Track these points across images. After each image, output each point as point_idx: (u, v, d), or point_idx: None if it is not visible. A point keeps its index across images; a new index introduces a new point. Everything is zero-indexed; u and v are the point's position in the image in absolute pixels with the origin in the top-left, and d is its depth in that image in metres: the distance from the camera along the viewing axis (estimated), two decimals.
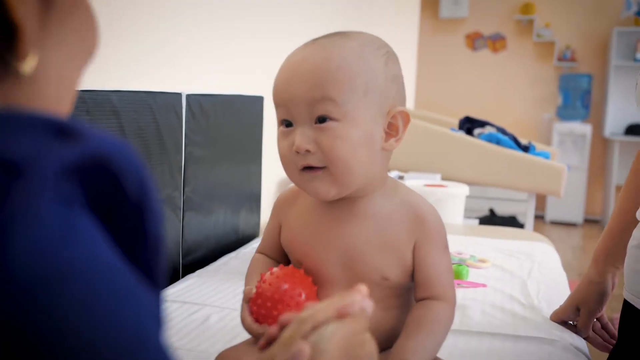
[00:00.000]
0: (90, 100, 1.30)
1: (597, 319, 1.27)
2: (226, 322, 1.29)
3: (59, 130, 0.37)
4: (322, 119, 0.87)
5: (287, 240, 1.00)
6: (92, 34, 0.50)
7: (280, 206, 1.03)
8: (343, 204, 0.95)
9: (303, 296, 0.90)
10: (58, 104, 0.47)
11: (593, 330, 1.28)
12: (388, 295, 0.95)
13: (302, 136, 0.88)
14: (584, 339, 1.28)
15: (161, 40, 1.63)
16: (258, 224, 2.19)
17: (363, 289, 0.65)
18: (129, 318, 0.37)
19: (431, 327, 0.90)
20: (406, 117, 0.92)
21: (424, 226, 0.93)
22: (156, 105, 1.53)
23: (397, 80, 0.93)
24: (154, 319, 0.40)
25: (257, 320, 0.91)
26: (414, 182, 2.66)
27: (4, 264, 0.32)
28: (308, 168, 0.89)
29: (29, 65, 0.42)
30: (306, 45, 0.92)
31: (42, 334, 0.33)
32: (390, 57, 0.93)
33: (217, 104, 1.84)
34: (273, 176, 2.37)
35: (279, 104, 0.92)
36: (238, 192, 2.03)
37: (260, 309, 0.89)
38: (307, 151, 0.88)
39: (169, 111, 1.59)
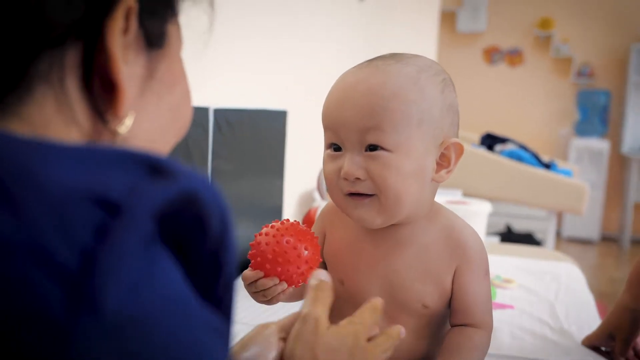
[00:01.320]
0: None
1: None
2: None
3: (153, 167, 0.38)
4: (373, 147, 0.84)
5: (331, 255, 0.98)
6: (185, 112, 0.53)
7: (329, 214, 1.00)
8: (387, 231, 0.92)
9: (305, 252, 0.84)
10: None
11: (626, 359, 1.25)
12: (424, 324, 0.93)
13: (352, 163, 0.85)
14: None
15: (189, 56, 1.63)
16: None
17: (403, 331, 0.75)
18: (208, 351, 0.38)
19: (468, 354, 0.89)
20: (460, 149, 0.90)
21: (465, 252, 0.91)
22: None
23: (452, 109, 0.90)
24: (226, 347, 0.41)
25: (259, 268, 0.85)
26: (436, 198, 2.64)
27: (101, 305, 0.32)
28: (355, 194, 0.87)
29: (125, 126, 0.44)
30: (359, 67, 0.89)
31: None
32: (447, 84, 0.90)
33: (242, 118, 1.83)
34: (295, 191, 2.37)
35: (328, 127, 0.89)
36: (260, 206, 2.02)
37: (264, 260, 0.83)
38: (357, 179, 0.85)
39: (196, 125, 1.58)
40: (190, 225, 0.39)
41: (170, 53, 0.50)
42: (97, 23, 0.42)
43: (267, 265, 0.83)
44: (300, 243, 0.84)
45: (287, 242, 0.83)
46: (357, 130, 0.84)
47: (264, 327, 0.74)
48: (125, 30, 0.43)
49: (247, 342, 0.73)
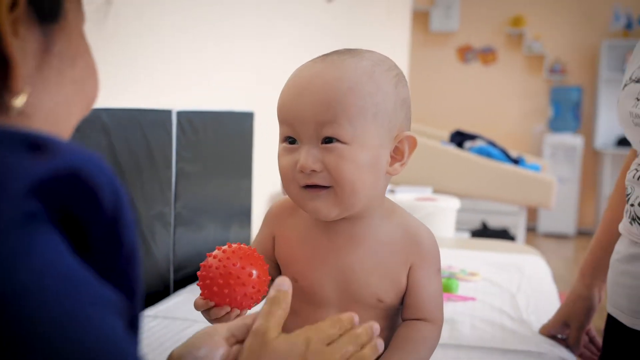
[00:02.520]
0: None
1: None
2: None
3: (32, 144, 0.38)
4: (328, 140, 0.85)
5: (283, 255, 0.98)
6: (92, 86, 0.53)
7: (275, 216, 1.00)
8: (341, 225, 0.93)
9: (255, 274, 0.84)
10: None
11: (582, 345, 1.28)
12: (380, 316, 0.94)
13: (308, 155, 0.86)
14: (575, 354, 1.28)
15: (151, 57, 1.64)
16: (249, 238, 2.19)
17: (355, 316, 0.70)
18: (97, 324, 0.38)
19: (415, 346, 0.91)
20: (413, 142, 0.91)
21: (420, 249, 0.93)
22: (146, 122, 1.54)
23: (406, 103, 0.92)
24: (125, 320, 0.41)
25: (206, 297, 0.85)
26: (405, 195, 2.67)
27: None
28: (310, 186, 0.87)
29: (20, 100, 0.44)
30: (315, 61, 0.90)
31: (9, 348, 0.34)
32: (400, 79, 0.92)
33: (207, 120, 1.84)
34: (264, 191, 2.38)
35: (284, 121, 0.89)
36: (229, 207, 2.04)
37: (212, 287, 0.84)
38: (313, 171, 0.86)
39: (159, 128, 1.60)
40: (80, 202, 0.40)
41: (69, 27, 0.50)
42: None
43: (215, 289, 0.84)
44: (248, 267, 0.84)
45: (234, 265, 0.84)
46: (314, 124, 0.85)
47: (212, 329, 0.73)
48: (13, 5, 0.43)
49: (190, 345, 0.72)
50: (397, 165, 0.91)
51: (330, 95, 0.85)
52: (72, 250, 0.39)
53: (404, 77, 0.93)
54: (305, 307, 0.95)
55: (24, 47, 0.44)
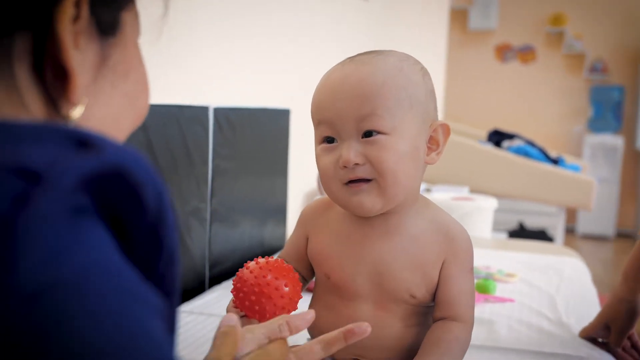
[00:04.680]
0: None
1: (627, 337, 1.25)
2: None
3: (79, 141, 0.39)
4: (369, 133, 0.87)
5: (315, 253, 0.99)
6: (143, 101, 0.54)
7: (308, 217, 1.02)
8: (375, 220, 0.94)
9: (286, 289, 0.86)
10: None
11: (623, 349, 1.25)
12: (412, 312, 0.95)
13: (350, 150, 0.87)
14: (615, 358, 1.26)
15: (189, 54, 1.65)
16: (284, 236, 2.19)
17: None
18: (137, 322, 0.38)
19: (448, 347, 0.90)
20: (447, 129, 0.94)
21: (454, 246, 0.93)
22: (184, 119, 1.54)
23: (433, 95, 0.95)
24: (164, 321, 0.41)
25: (239, 308, 0.87)
26: (442, 194, 2.64)
27: (16, 272, 0.33)
28: (353, 182, 0.89)
29: (77, 112, 0.45)
30: (344, 63, 0.93)
31: (49, 340, 0.34)
32: (425, 72, 0.95)
33: (243, 117, 1.85)
34: (299, 189, 2.38)
35: (322, 121, 0.91)
36: (264, 205, 2.04)
37: (244, 301, 0.86)
38: (356, 164, 0.87)
39: (196, 124, 1.60)
40: (124, 200, 0.40)
41: (125, 41, 0.51)
42: (46, 12, 0.43)
43: (247, 303, 0.86)
44: (282, 286, 0.86)
45: (268, 284, 0.85)
46: (353, 119, 0.87)
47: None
48: (76, 17, 0.44)
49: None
50: (433, 154, 0.93)
51: (367, 89, 0.87)
52: (118, 247, 0.39)
53: (427, 71, 0.96)
54: (338, 302, 0.96)
55: (83, 59, 0.45)
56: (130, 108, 0.52)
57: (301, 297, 0.90)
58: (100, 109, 0.49)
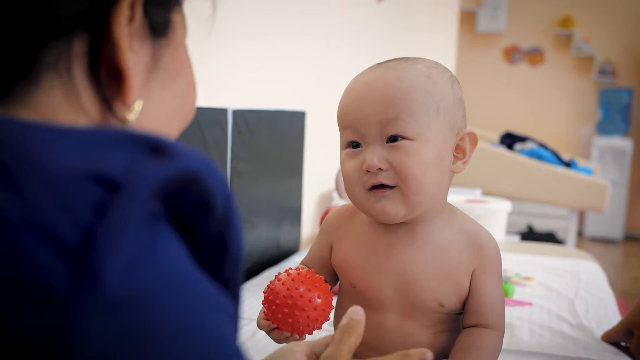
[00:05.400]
0: None
1: None
2: None
3: (154, 147, 0.39)
4: (393, 138, 0.86)
5: (340, 261, 0.97)
6: (191, 101, 0.54)
7: (332, 224, 1.01)
8: (401, 229, 0.92)
9: (319, 300, 0.86)
10: None
11: None
12: (441, 320, 0.94)
13: (374, 154, 0.86)
14: None
15: (208, 57, 1.65)
16: (299, 238, 2.19)
17: (428, 353, 0.69)
18: (213, 327, 0.38)
19: (478, 354, 0.89)
20: (474, 138, 0.92)
21: (483, 254, 0.92)
22: (203, 121, 1.55)
23: (462, 103, 0.93)
24: (234, 326, 0.42)
25: (272, 320, 0.87)
26: (455, 197, 2.64)
27: (101, 282, 0.33)
28: (376, 188, 0.87)
29: (134, 113, 0.46)
30: (372, 68, 0.92)
31: (133, 347, 0.34)
32: (454, 80, 0.93)
33: (261, 119, 1.85)
34: (313, 191, 2.38)
35: (347, 126, 0.90)
36: (280, 207, 2.04)
37: (277, 313, 0.86)
38: (379, 169, 0.86)
39: (215, 126, 1.60)
40: (195, 206, 0.40)
41: (175, 42, 0.51)
42: (102, 13, 0.43)
43: (280, 316, 0.85)
44: (315, 298, 0.86)
45: (301, 297, 0.85)
46: (378, 124, 0.86)
47: (295, 345, 0.74)
48: (131, 19, 0.44)
49: (275, 358, 0.73)
50: (459, 163, 0.91)
51: (392, 94, 0.86)
52: (190, 253, 0.40)
53: (457, 79, 0.95)
54: (366, 312, 0.94)
55: (137, 60, 0.45)
56: (180, 109, 0.53)
57: (333, 308, 0.89)
58: (153, 111, 0.49)
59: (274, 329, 0.87)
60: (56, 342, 0.32)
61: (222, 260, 0.43)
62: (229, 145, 1.67)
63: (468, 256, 0.92)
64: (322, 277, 0.89)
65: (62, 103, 0.43)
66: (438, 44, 4.53)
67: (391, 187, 0.87)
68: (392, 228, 0.92)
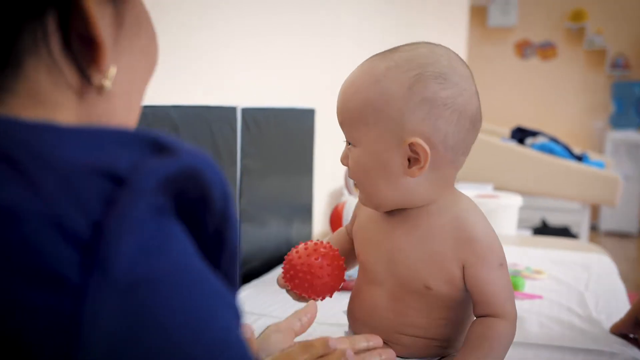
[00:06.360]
0: (151, 114, 1.34)
1: None
2: None
3: (158, 145, 0.41)
4: (348, 142, 0.95)
5: (354, 232, 1.07)
6: (154, 51, 0.55)
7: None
8: (399, 212, 0.98)
9: (330, 271, 0.99)
10: (127, 118, 0.52)
11: None
12: (434, 306, 0.96)
13: (342, 153, 0.97)
14: None
15: (216, 56, 1.67)
16: (310, 234, 2.20)
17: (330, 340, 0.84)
18: (220, 318, 0.40)
19: (490, 345, 0.90)
20: (423, 151, 0.88)
21: (473, 247, 0.92)
22: (213, 119, 1.56)
23: (427, 102, 0.88)
24: (239, 319, 0.44)
25: (287, 282, 1.01)
26: (466, 192, 2.63)
27: (111, 268, 0.35)
28: None
29: (109, 79, 0.47)
30: (362, 64, 0.97)
31: (140, 329, 0.36)
32: (421, 79, 0.89)
33: (270, 117, 1.86)
34: (324, 187, 2.39)
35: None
36: (290, 204, 2.05)
37: (294, 279, 0.99)
38: (347, 167, 0.96)
39: (224, 124, 1.62)
40: (195, 201, 0.42)
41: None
42: None
43: (297, 281, 0.99)
44: (326, 265, 0.98)
45: (314, 262, 0.98)
46: (340, 125, 0.96)
47: (275, 325, 0.90)
48: None
49: (263, 338, 0.84)
50: (415, 168, 0.90)
51: (343, 100, 0.94)
52: (195, 246, 0.42)
53: (436, 74, 0.90)
54: (364, 285, 1.03)
55: (104, 26, 0.47)
56: (146, 61, 0.54)
57: (343, 274, 1.02)
58: (125, 72, 0.50)
59: (289, 290, 1.02)
60: (69, 325, 0.34)
61: (220, 254, 0.45)
62: (238, 143, 1.69)
63: (454, 246, 0.93)
64: (335, 249, 1.01)
65: (48, 82, 0.45)
66: (448, 39, 4.52)
67: None
68: (392, 211, 0.99)
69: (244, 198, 1.73)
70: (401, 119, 0.88)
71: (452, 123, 0.91)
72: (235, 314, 0.43)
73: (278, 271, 1.80)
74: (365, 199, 0.98)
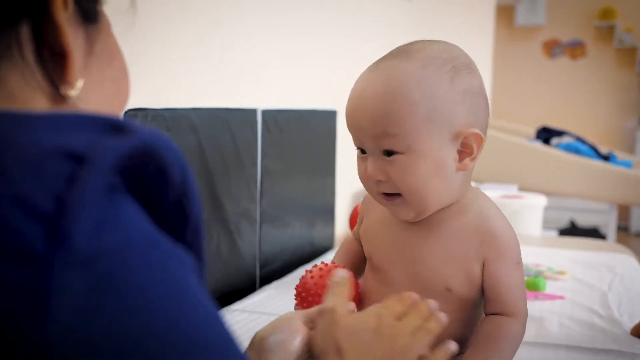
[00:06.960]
0: (170, 117, 1.36)
1: None
2: None
3: (112, 126, 0.44)
4: (389, 152, 0.87)
5: (364, 232, 1.02)
6: (126, 86, 0.58)
7: (365, 202, 1.05)
8: None
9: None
10: None
11: None
12: (452, 308, 0.93)
13: (373, 166, 0.88)
14: None
15: (237, 58, 1.68)
16: (333, 235, 2.21)
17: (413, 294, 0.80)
18: (178, 277, 0.43)
19: (499, 344, 0.90)
20: (478, 138, 0.89)
21: (495, 243, 0.92)
22: (233, 121, 1.58)
23: (468, 94, 0.89)
24: (198, 277, 0.46)
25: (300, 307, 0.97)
26: (490, 193, 2.62)
27: (72, 241, 0.38)
28: (387, 194, 0.90)
29: (75, 90, 0.50)
30: (369, 70, 0.91)
31: (105, 298, 0.39)
32: (458, 71, 0.89)
33: (291, 118, 1.88)
34: (347, 189, 2.40)
35: (350, 131, 0.92)
36: (312, 205, 2.06)
37: (307, 300, 0.95)
38: (380, 181, 0.88)
39: (245, 127, 1.64)
40: (153, 177, 0.45)
41: (105, 30, 0.55)
42: (41, 1, 0.47)
43: (310, 300, 0.95)
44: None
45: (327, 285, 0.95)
46: (371, 137, 0.87)
47: (290, 314, 0.81)
48: (65, 6, 0.48)
49: (271, 329, 0.79)
50: (467, 160, 0.90)
51: (379, 108, 0.86)
52: (150, 219, 0.44)
53: (464, 65, 0.91)
54: (377, 286, 0.99)
55: (75, 43, 0.50)
56: (118, 93, 0.57)
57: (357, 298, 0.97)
58: (93, 94, 0.53)
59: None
60: (38, 297, 0.37)
61: (184, 226, 0.47)
62: (259, 145, 1.71)
63: (477, 244, 0.92)
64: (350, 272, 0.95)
65: (22, 84, 0.48)
66: (475, 39, 4.49)
67: (398, 194, 0.89)
68: None
69: (265, 199, 1.74)
70: (451, 113, 0.87)
71: (485, 110, 0.93)
72: (194, 272, 0.45)
73: (299, 272, 1.82)
74: (411, 208, 0.90)
